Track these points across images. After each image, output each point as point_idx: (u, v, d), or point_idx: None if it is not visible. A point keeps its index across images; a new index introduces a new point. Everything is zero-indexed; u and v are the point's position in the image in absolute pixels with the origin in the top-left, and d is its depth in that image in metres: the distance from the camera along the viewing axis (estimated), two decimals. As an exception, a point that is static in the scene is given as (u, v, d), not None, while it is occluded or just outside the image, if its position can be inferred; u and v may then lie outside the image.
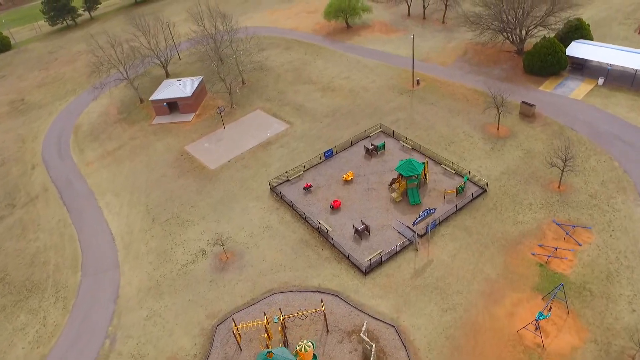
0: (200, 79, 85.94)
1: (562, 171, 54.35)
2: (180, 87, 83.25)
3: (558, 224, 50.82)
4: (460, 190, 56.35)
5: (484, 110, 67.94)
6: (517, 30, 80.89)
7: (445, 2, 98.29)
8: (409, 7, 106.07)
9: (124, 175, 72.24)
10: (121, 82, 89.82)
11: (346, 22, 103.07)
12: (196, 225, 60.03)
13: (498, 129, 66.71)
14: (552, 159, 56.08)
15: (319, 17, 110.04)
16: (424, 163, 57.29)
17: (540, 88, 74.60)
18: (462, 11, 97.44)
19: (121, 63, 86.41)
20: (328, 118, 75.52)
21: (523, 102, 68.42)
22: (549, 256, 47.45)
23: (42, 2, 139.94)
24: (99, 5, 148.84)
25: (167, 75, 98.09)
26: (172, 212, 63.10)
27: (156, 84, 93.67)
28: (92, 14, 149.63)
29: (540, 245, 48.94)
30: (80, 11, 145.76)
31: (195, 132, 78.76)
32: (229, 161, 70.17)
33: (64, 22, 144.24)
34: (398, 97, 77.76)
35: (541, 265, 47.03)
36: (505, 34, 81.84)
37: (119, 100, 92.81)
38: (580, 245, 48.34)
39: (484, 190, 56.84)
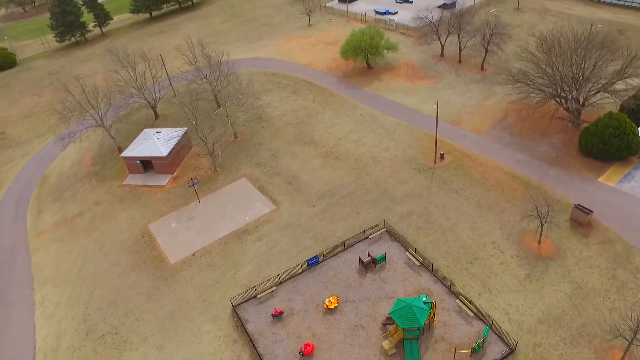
0: (182, 132, 72.63)
1: (630, 342, 37.57)
2: (157, 143, 70.28)
3: None
4: (477, 349, 40.53)
5: (522, 219, 51.20)
6: (574, 94, 63.37)
7: (485, 47, 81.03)
8: (442, 46, 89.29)
9: (73, 257, 60.02)
10: (95, 129, 77.48)
11: (367, 62, 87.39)
12: (134, 351, 46.97)
13: (539, 242, 50.06)
14: (616, 322, 39.28)
15: (338, 50, 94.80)
16: (429, 305, 41.64)
17: (600, 179, 57.15)
18: (504, 56, 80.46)
19: (92, 107, 74.01)
20: (324, 200, 60.62)
21: (576, 207, 51.34)
22: None
23: (50, 17, 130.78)
24: (110, 21, 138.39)
25: (156, 117, 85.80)
26: (111, 324, 50.28)
27: (144, 125, 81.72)
28: (104, 29, 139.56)
29: None
30: (90, 26, 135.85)
31: (166, 202, 65.62)
32: (194, 254, 56.55)
33: (73, 37, 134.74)
34: (414, 176, 61.92)
35: None
36: (558, 99, 64.46)
37: (98, 145, 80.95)
38: None
39: (510, 351, 40.78)
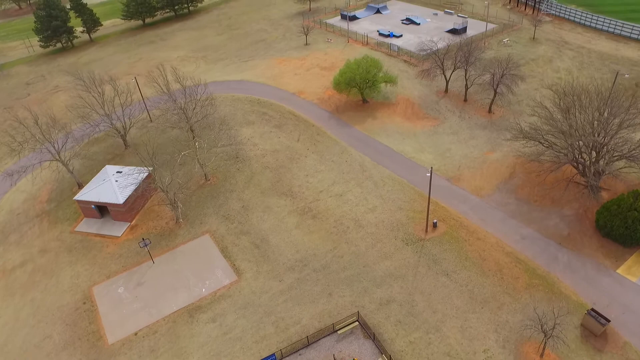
0: (143, 175, 64.24)
1: None
2: (114, 187, 62.16)
3: None
4: None
5: (522, 328, 42.32)
6: (593, 155, 54.28)
7: (494, 88, 71.86)
8: (447, 81, 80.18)
9: (1, 323, 51.89)
10: (51, 162, 69.39)
11: (361, 95, 78.52)
12: None
13: (542, 356, 41.11)
14: None
15: (332, 78, 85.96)
16: None
17: (620, 271, 48.12)
18: (515, 99, 71.56)
19: (47, 139, 65.95)
20: (292, 274, 52.09)
21: (590, 313, 42.38)
22: None
23: (35, 21, 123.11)
24: (99, 27, 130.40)
25: (126, 146, 77.64)
26: (26, 423, 41.99)
27: (111, 155, 73.95)
28: (93, 35, 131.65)
29: None
30: (78, 32, 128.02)
31: (118, 258, 57.47)
32: (136, 334, 48.28)
33: (59, 43, 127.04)
34: (401, 249, 53.18)
35: None
36: (574, 163, 55.38)
37: (57, 178, 72.64)
38: None
39: None
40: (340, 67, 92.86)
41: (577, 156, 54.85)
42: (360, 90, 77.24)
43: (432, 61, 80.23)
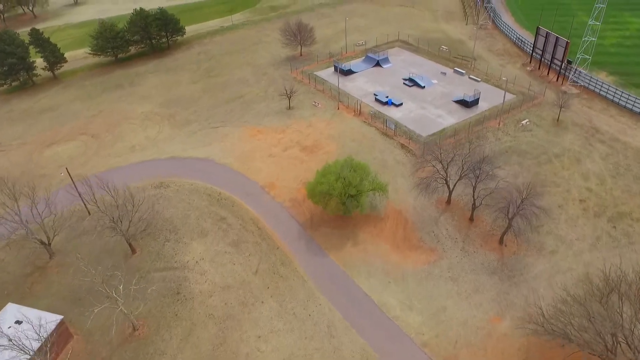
0: (54, 325, 49.51)
1: None
2: (11, 350, 47.35)
3: None
4: None
5: None
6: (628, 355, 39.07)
7: (508, 218, 56.21)
8: (450, 191, 64.61)
9: None
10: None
11: (341, 211, 62.89)
12: None
13: None
14: None
15: (314, 166, 70.83)
16: None
17: None
18: (537, 238, 56.38)
19: None
20: None
21: None
22: None
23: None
24: (62, 65, 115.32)
25: (50, 256, 63.13)
26: None
27: (32, 267, 60.00)
28: (58, 71, 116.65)
29: None
30: (39, 70, 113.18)
31: None
32: None
33: (18, 81, 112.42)
34: None
35: None
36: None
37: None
38: None
39: None
40: (324, 147, 78.59)
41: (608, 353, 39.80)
42: (341, 201, 61.59)
43: (432, 164, 64.33)
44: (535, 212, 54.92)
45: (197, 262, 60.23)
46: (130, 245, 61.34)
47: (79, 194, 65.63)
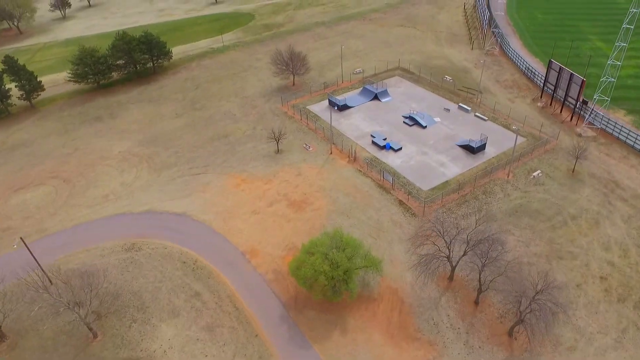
0: None
1: None
2: None
3: None
4: None
5: None
6: None
7: (520, 313, 48.44)
8: (453, 268, 56.82)
9: None
10: None
11: (328, 297, 55.17)
12: None
13: None
14: None
15: (301, 227, 63.46)
16: None
17: None
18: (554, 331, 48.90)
19: None
20: None
21: None
22: None
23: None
24: (40, 93, 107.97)
25: (2, 339, 55.70)
26: None
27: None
28: (35, 100, 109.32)
29: None
30: (14, 99, 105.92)
31: None
32: None
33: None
34: None
35: None
36: None
37: None
38: None
39: None
40: (314, 202, 71.46)
41: None
42: (328, 284, 53.78)
43: (432, 241, 56.64)
44: (551, 308, 47.12)
45: (165, 351, 52.93)
46: (90, 329, 54.12)
47: (39, 266, 58.54)
